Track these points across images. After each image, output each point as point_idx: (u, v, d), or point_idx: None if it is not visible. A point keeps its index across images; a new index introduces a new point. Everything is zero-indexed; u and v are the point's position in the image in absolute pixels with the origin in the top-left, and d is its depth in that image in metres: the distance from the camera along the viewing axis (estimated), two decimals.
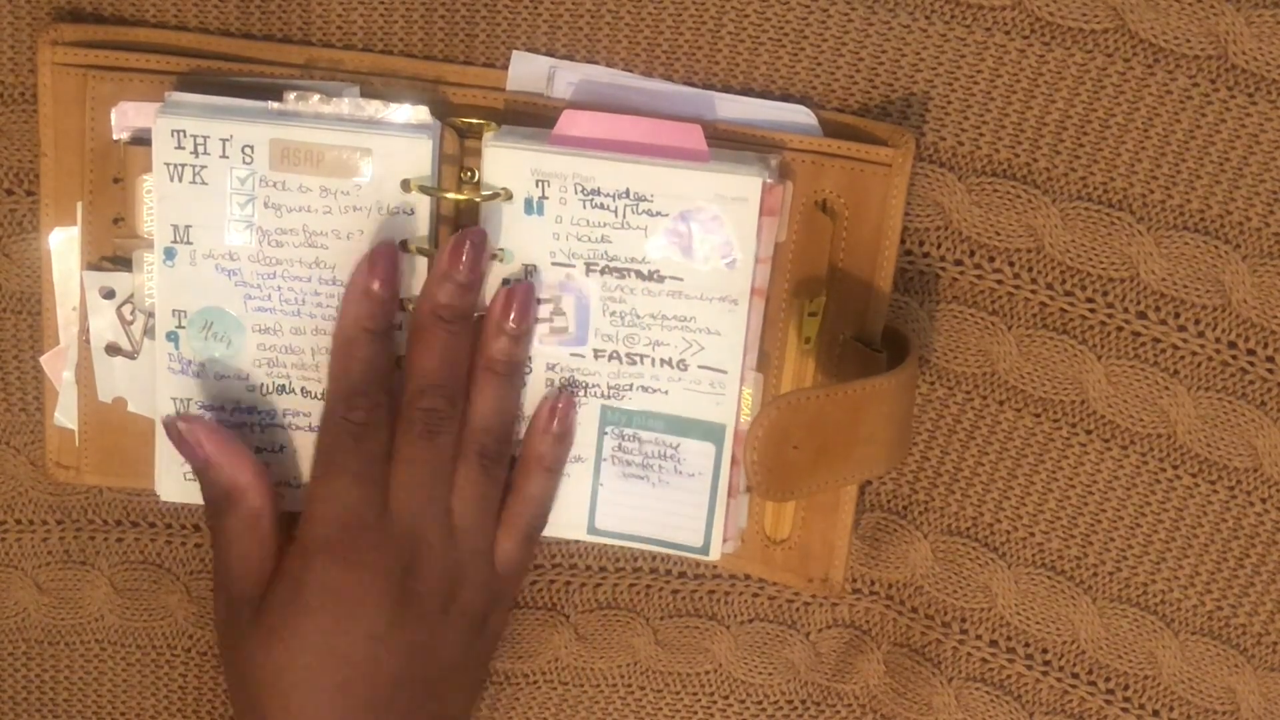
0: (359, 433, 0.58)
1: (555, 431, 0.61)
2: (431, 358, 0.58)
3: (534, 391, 0.61)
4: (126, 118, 0.60)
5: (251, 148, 0.58)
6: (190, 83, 0.60)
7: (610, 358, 0.61)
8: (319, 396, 0.61)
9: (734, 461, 0.61)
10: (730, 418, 0.61)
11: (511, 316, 0.59)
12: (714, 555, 0.62)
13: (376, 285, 0.58)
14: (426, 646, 0.59)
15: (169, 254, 0.60)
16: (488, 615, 0.62)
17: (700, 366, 0.60)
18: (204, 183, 0.59)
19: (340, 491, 0.58)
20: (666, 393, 0.61)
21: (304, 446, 0.62)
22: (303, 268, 0.60)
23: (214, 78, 0.60)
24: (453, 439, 0.59)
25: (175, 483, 0.62)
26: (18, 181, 0.63)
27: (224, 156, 0.58)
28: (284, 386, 0.61)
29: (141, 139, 0.60)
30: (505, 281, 0.60)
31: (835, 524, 0.63)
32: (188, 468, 0.61)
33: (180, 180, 0.59)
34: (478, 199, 0.59)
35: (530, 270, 0.60)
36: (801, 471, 0.58)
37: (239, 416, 0.61)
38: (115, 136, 0.60)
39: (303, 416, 0.61)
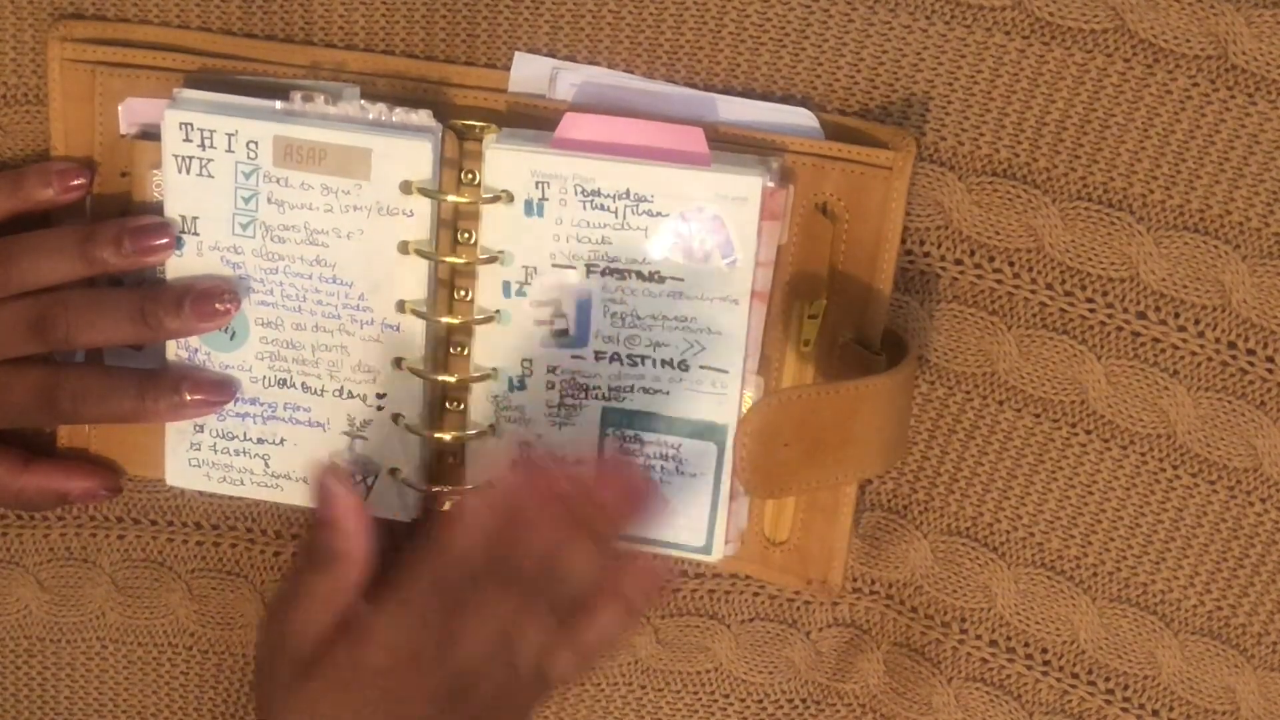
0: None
1: (651, 588, 0.58)
2: None
3: (535, 392, 0.61)
4: (134, 113, 0.61)
5: (256, 144, 0.59)
6: (198, 80, 0.60)
7: (611, 359, 0.61)
8: (319, 392, 0.61)
9: None
10: (732, 418, 0.61)
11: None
12: (716, 555, 0.62)
13: None
14: None
15: (178, 244, 0.60)
16: (530, 707, 0.59)
17: (701, 367, 0.60)
18: (210, 175, 0.59)
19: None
20: (668, 394, 0.61)
21: (304, 440, 0.62)
22: (304, 265, 0.60)
23: (222, 76, 0.61)
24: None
25: (182, 467, 0.63)
26: None
27: (229, 151, 0.59)
28: (285, 380, 0.61)
29: (149, 134, 0.60)
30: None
31: (834, 526, 0.63)
32: (195, 452, 0.62)
33: (188, 172, 0.59)
34: (478, 201, 0.60)
35: (530, 272, 0.60)
36: (792, 469, 0.58)
37: (241, 408, 0.62)
38: (123, 132, 0.61)
39: (303, 411, 0.62)
